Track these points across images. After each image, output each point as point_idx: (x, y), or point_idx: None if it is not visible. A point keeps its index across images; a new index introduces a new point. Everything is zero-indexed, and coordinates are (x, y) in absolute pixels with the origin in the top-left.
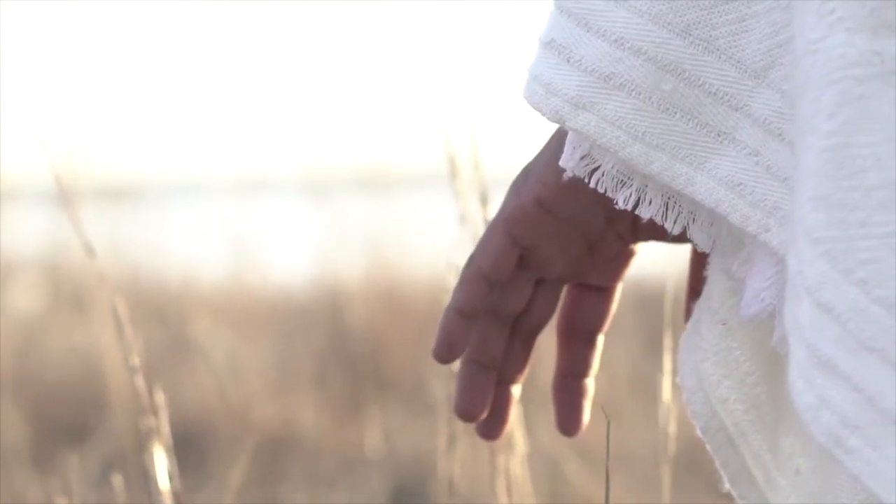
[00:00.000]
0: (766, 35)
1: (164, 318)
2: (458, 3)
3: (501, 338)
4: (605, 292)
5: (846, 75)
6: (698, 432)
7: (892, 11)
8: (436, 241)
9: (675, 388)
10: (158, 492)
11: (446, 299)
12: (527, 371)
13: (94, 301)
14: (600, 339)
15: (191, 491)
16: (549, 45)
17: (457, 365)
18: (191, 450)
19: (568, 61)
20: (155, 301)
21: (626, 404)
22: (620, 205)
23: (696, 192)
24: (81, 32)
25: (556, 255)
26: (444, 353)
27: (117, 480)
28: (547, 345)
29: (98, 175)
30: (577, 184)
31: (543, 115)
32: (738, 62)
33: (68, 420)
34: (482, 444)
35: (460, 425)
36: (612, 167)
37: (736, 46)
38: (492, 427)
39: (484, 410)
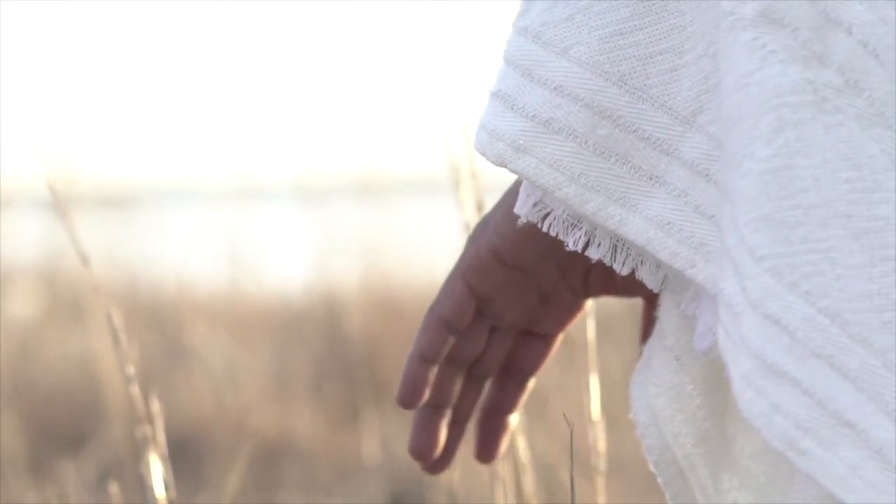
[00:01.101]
0: (696, 82)
1: (160, 325)
2: (454, 9)
3: (457, 382)
4: (548, 339)
5: (782, 103)
6: (651, 467)
7: (821, 44)
8: (432, 248)
9: None
10: (155, 499)
11: None
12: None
13: (89, 309)
14: (532, 382)
15: (187, 498)
16: (495, 94)
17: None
18: (187, 457)
19: (512, 108)
20: (151, 308)
21: (623, 411)
22: (570, 247)
23: (629, 232)
24: (77, 40)
25: (510, 305)
26: (409, 399)
27: (113, 488)
28: None
29: (93, 182)
30: (531, 236)
31: (488, 159)
32: (670, 109)
33: (65, 427)
34: None
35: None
36: (563, 212)
37: (667, 94)
38: (440, 464)
39: (436, 450)
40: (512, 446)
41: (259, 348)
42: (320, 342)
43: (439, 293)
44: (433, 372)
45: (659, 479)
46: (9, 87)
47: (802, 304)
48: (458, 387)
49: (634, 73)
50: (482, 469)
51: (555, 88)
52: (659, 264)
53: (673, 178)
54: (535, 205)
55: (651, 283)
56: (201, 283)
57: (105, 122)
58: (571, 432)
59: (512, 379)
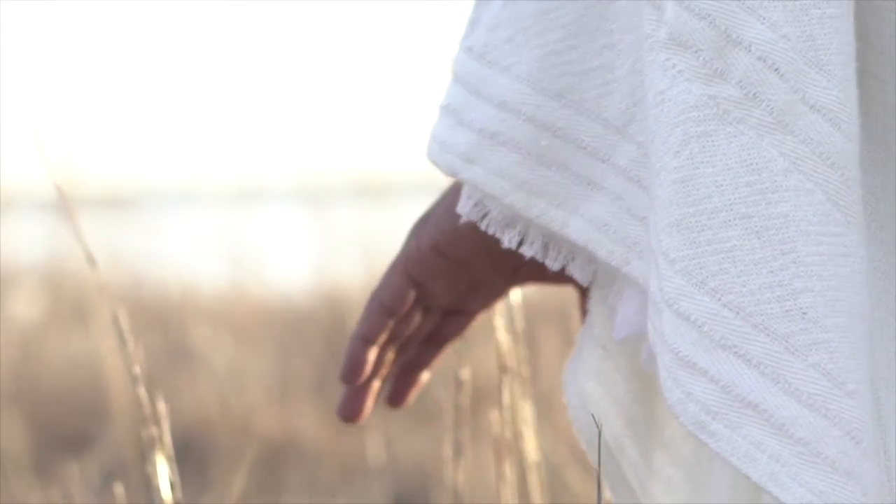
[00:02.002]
0: (625, 95)
1: (163, 326)
2: (454, 9)
3: (390, 356)
4: (472, 316)
5: (688, 118)
6: (582, 446)
7: (722, 62)
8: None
9: None
10: (161, 500)
11: None
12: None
13: (94, 310)
14: (446, 348)
15: (191, 499)
16: (445, 109)
17: (455, 373)
18: (191, 458)
19: (460, 123)
20: (154, 310)
21: None
22: (505, 244)
23: (570, 234)
24: (79, 41)
25: (443, 291)
26: (351, 377)
27: (118, 489)
28: (547, 351)
29: (96, 184)
30: (469, 232)
31: (440, 169)
32: (604, 120)
33: (69, 429)
34: (488, 452)
35: (466, 433)
36: (499, 213)
37: (601, 107)
38: (354, 413)
39: (362, 417)
40: (518, 446)
41: (263, 350)
42: (324, 343)
43: (381, 282)
44: (374, 352)
45: (590, 458)
46: (13, 89)
47: (709, 301)
48: (390, 360)
49: (571, 88)
50: (488, 470)
51: (498, 104)
52: (589, 261)
53: (608, 183)
54: (475, 205)
55: (581, 278)
56: (205, 284)
57: (108, 123)
58: (599, 433)
59: (432, 345)
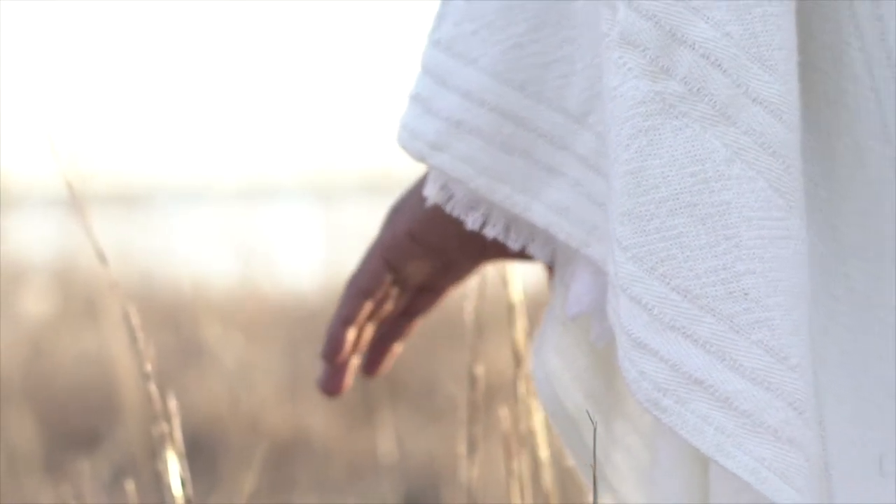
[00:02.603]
0: (585, 88)
1: (174, 323)
2: None
3: (368, 333)
4: (443, 292)
5: (636, 113)
6: (548, 417)
7: (668, 59)
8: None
9: None
10: (171, 497)
11: (458, 303)
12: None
13: (104, 308)
14: (420, 320)
15: (202, 497)
16: (414, 97)
17: (469, 368)
18: (201, 455)
19: (428, 112)
20: (165, 307)
21: None
22: (469, 226)
23: (532, 217)
24: (89, 39)
25: (418, 272)
26: (330, 355)
27: (129, 486)
28: None
29: (107, 181)
30: (440, 218)
31: (409, 155)
32: (564, 110)
33: (79, 426)
34: (500, 449)
35: (480, 430)
36: (463, 196)
37: (562, 97)
38: (335, 387)
39: (341, 392)
40: (530, 444)
41: (273, 347)
42: None
43: (358, 267)
44: (353, 332)
45: (555, 429)
46: (24, 86)
47: (658, 285)
48: (368, 337)
49: (533, 79)
50: (499, 467)
51: (464, 94)
52: (548, 242)
53: (568, 170)
54: (440, 188)
55: (542, 258)
56: (215, 281)
57: (119, 121)
58: (595, 429)
59: (405, 318)
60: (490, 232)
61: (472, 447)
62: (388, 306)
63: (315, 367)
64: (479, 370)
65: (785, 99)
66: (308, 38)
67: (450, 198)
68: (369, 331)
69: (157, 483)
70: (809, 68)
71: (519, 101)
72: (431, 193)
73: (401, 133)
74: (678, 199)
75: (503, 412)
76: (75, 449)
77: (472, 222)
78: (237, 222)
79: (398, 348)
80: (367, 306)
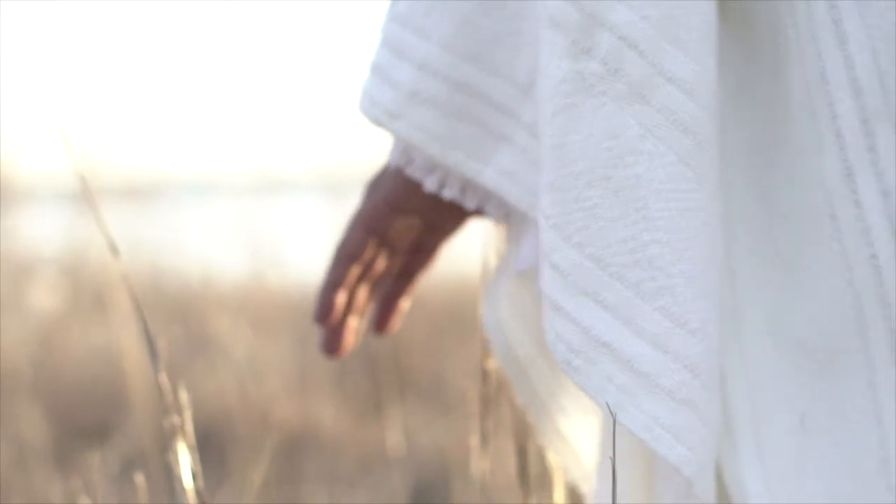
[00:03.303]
0: (531, 60)
1: (183, 316)
2: None
3: (363, 294)
4: (435, 251)
5: (559, 91)
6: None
7: (589, 41)
8: (453, 239)
9: None
10: (182, 490)
11: (468, 297)
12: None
13: (114, 300)
14: (420, 279)
15: (211, 489)
16: (374, 68)
17: (481, 362)
18: (211, 448)
19: (386, 81)
20: (174, 300)
21: None
22: (427, 187)
23: (484, 181)
24: (100, 32)
25: (403, 236)
26: (322, 319)
27: (139, 479)
28: None
29: (116, 174)
30: (412, 186)
31: (369, 120)
32: (513, 81)
33: (89, 419)
34: (509, 442)
35: (491, 423)
36: (421, 160)
37: (511, 69)
38: (334, 347)
39: (343, 350)
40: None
41: (282, 340)
42: None
43: (342, 236)
44: (342, 295)
45: (507, 375)
46: (36, 79)
47: (574, 253)
48: (364, 297)
49: (483, 52)
50: (509, 460)
51: (419, 66)
52: (500, 202)
53: (516, 137)
54: (401, 153)
55: (496, 218)
56: (225, 275)
57: (130, 114)
58: (614, 421)
59: (405, 277)
60: (447, 194)
61: (484, 440)
62: (379, 268)
63: (324, 361)
64: (491, 364)
65: (698, 78)
66: (319, 31)
67: (410, 162)
68: (363, 293)
69: (167, 475)
70: (750, 44)
71: (471, 73)
72: (393, 157)
73: (362, 100)
74: (594, 172)
75: (510, 405)
76: (85, 442)
77: (429, 184)
78: (247, 216)
79: (405, 305)
80: (354, 270)
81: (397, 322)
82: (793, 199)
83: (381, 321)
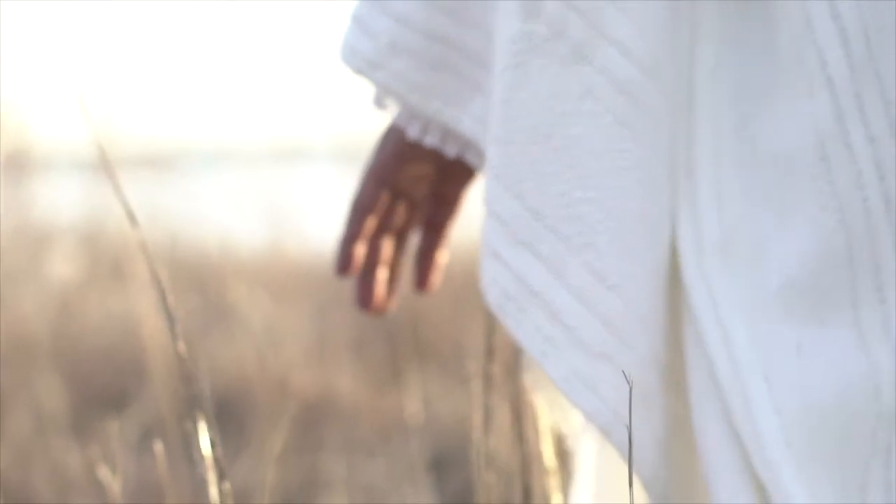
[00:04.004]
0: (503, 16)
1: (201, 285)
2: None
3: (389, 246)
4: (456, 199)
5: (509, 50)
6: (493, 308)
7: (535, 4)
8: (472, 207)
9: None
10: (200, 458)
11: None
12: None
13: (132, 269)
14: (449, 230)
15: (229, 458)
16: (355, 18)
17: (486, 339)
18: (229, 417)
19: (366, 32)
20: (193, 269)
21: None
22: (410, 135)
23: (461, 129)
24: (117, 1)
25: (417, 185)
26: (342, 270)
27: (158, 447)
28: None
29: (134, 143)
30: (418, 142)
31: (350, 69)
32: (487, 33)
33: (108, 388)
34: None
35: (496, 399)
36: (404, 109)
37: (485, 22)
38: (380, 306)
39: (376, 300)
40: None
41: (301, 309)
42: None
43: (356, 191)
44: (360, 247)
45: (504, 321)
46: (54, 49)
47: (514, 204)
48: (390, 250)
49: (458, 6)
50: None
51: (397, 18)
52: (478, 151)
53: (490, 87)
54: (381, 101)
55: (476, 163)
56: (243, 244)
57: (146, 83)
58: (630, 389)
59: (433, 230)
60: (428, 141)
61: (487, 417)
62: (399, 219)
63: (343, 330)
64: (498, 342)
65: (638, 41)
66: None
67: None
68: (387, 245)
69: (186, 444)
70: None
71: (447, 26)
72: (377, 104)
73: (344, 50)
74: (537, 130)
75: (509, 380)
76: (103, 410)
77: (412, 132)
78: (265, 184)
79: (441, 258)
80: (370, 222)
81: (437, 277)
82: (783, 142)
83: (419, 278)
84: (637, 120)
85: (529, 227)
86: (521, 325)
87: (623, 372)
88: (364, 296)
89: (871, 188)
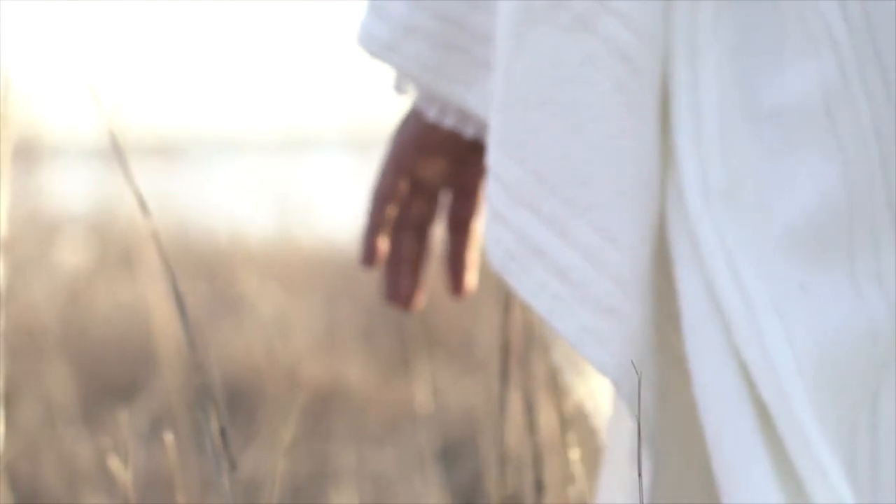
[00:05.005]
0: None
1: (211, 274)
2: None
3: (412, 241)
4: (474, 192)
5: (510, 19)
6: (496, 268)
7: None
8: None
9: None
10: (210, 448)
11: None
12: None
13: (142, 258)
14: (475, 226)
15: (239, 447)
16: (371, 4)
17: (502, 330)
18: (239, 406)
19: (381, 17)
20: (202, 258)
21: None
22: (429, 117)
23: (468, 106)
24: None
25: (436, 173)
26: (367, 261)
27: (168, 437)
28: None
29: (144, 132)
30: (433, 124)
31: (368, 53)
32: (494, 14)
33: (118, 377)
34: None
35: (510, 386)
36: (421, 91)
37: (493, 5)
38: (410, 302)
39: (404, 294)
40: (557, 396)
41: (311, 298)
42: (372, 291)
43: (377, 180)
44: (383, 238)
45: (507, 279)
46: (65, 37)
47: (515, 168)
48: (412, 244)
49: None
50: (546, 419)
51: (411, 3)
52: None
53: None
54: (402, 85)
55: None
56: (253, 233)
57: (156, 71)
58: (639, 380)
59: (457, 230)
60: (447, 122)
61: (503, 407)
62: (418, 210)
63: (352, 319)
64: (512, 332)
65: (636, 11)
66: None
67: (415, 94)
68: (408, 238)
69: (196, 433)
70: None
71: (458, 9)
72: (396, 87)
73: (360, 34)
74: (537, 97)
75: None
76: (113, 400)
77: (430, 114)
78: (275, 173)
79: (472, 258)
80: (391, 210)
81: (472, 278)
82: (788, 96)
83: (454, 283)
84: (634, 87)
85: (532, 188)
86: (525, 284)
87: (632, 362)
88: (392, 291)
89: (871, 145)
